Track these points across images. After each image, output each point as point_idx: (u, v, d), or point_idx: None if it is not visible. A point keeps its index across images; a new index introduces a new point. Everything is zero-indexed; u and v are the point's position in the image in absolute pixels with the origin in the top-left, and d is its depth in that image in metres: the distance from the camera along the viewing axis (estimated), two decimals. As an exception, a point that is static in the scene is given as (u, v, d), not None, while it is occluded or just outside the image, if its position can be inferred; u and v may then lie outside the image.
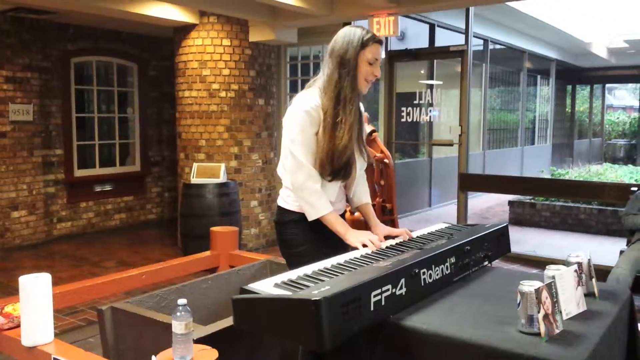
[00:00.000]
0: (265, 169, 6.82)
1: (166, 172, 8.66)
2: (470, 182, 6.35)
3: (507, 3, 6.69)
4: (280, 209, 2.35)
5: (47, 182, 7.13)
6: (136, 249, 6.82)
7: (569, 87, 16.63)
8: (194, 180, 6.15)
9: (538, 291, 1.49)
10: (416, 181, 8.94)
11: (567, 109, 16.35)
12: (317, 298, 1.41)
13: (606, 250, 6.25)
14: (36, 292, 2.36)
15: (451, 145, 6.42)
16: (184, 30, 6.42)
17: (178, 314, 2.00)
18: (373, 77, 2.26)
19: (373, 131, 3.20)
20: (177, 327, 1.99)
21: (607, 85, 18.25)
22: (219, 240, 4.08)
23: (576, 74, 15.76)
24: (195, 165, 6.27)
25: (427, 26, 7.91)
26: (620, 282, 4.08)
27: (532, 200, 8.02)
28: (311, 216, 2.19)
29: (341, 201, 2.39)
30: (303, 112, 2.19)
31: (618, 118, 18.88)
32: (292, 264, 2.35)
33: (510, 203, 8.23)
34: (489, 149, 10.88)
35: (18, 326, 2.47)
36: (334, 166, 2.19)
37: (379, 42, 2.26)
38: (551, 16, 9.68)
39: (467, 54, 6.10)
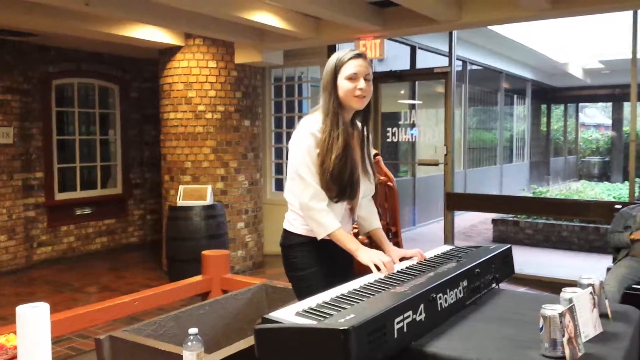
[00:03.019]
0: (252, 190, 6.78)
1: (148, 194, 8.55)
2: (457, 201, 6.40)
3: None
4: (286, 232, 2.35)
5: (27, 206, 6.97)
6: (119, 274, 6.69)
7: (544, 106, 17.00)
8: (180, 202, 6.09)
9: (562, 315, 1.50)
10: (400, 200, 8.98)
11: (542, 128, 16.70)
12: (345, 327, 1.39)
13: (590, 267, 6.35)
14: (34, 322, 2.29)
15: (437, 164, 6.49)
16: (169, 52, 6.40)
17: (189, 343, 1.96)
18: (358, 90, 2.22)
19: (376, 154, 3.21)
20: (189, 357, 1.95)
21: (580, 104, 18.72)
22: (210, 264, 4.03)
23: (551, 93, 16.15)
24: (181, 187, 6.20)
25: (408, 48, 8.03)
26: (609, 299, 4.14)
27: (515, 218, 8.12)
28: (320, 234, 2.18)
29: (347, 223, 2.38)
30: (308, 133, 2.22)
31: (591, 136, 19.35)
32: (298, 287, 2.33)
33: (494, 221, 8.33)
34: (469, 168, 11.03)
35: (14, 358, 2.39)
36: (337, 186, 2.20)
37: (358, 55, 2.24)
38: (527, 38, 9.92)
39: (451, 75, 6.20)
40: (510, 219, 8.17)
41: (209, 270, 4.01)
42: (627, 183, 10.90)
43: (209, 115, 6.37)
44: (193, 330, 1.97)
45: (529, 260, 6.98)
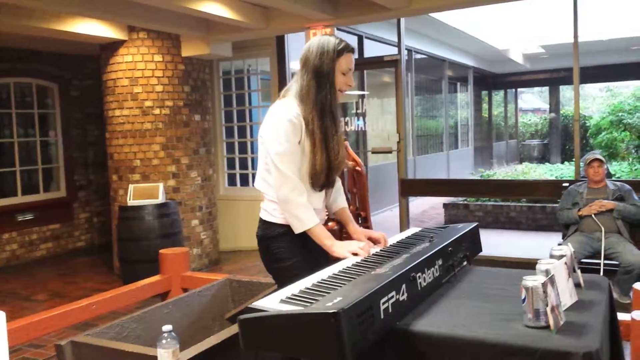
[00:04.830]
0: (205, 187, 6.64)
1: (94, 196, 8.25)
2: (411, 187, 6.48)
3: (429, 14, 6.95)
4: (265, 222, 2.27)
5: (-36, 215, 6.59)
6: (68, 279, 6.42)
7: (485, 93, 17.50)
8: (131, 202, 5.88)
9: (544, 285, 1.52)
10: (353, 190, 9.01)
11: (484, 114, 17.19)
12: (335, 310, 1.36)
13: (539, 245, 6.57)
14: (-11, 333, 2.15)
15: (390, 152, 6.54)
16: (111, 47, 6.16)
17: (164, 341, 1.88)
18: (347, 87, 2.22)
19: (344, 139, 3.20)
20: (164, 355, 1.87)
21: (518, 89, 19.38)
22: (169, 262, 3.91)
23: (491, 80, 16.63)
24: (131, 186, 5.99)
25: (355, 37, 8.05)
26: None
27: (466, 202, 8.31)
28: (298, 229, 2.14)
29: (323, 210, 2.35)
30: (286, 121, 2.12)
31: (530, 120, 20.06)
32: (280, 279, 2.27)
33: (445, 205, 8.50)
34: (418, 155, 11.21)
35: (-33, 373, 2.23)
36: (328, 178, 2.15)
37: (352, 51, 2.22)
38: (470, 26, 10.14)
39: (400, 63, 6.25)
40: (461, 202, 8.36)
41: (168, 269, 3.89)
42: (567, 163, 11.38)
43: (157, 111, 6.18)
44: (167, 327, 1.90)
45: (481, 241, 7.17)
